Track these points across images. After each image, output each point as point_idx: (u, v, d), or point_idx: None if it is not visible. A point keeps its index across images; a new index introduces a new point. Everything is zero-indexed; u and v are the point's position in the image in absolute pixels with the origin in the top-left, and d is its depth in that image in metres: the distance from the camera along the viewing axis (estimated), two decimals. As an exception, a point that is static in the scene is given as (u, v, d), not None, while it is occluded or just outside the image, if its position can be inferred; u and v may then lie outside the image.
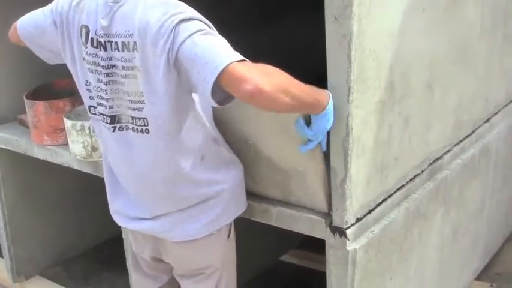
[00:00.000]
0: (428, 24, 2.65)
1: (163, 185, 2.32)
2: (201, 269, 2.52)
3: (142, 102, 2.16)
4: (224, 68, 1.95)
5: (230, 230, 2.53)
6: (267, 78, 1.97)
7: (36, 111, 3.28)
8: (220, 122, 2.45)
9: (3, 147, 3.60)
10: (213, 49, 2.02)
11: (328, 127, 2.24)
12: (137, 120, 2.21)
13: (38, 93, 3.43)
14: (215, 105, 2.06)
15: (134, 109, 2.19)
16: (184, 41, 2.03)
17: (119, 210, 2.53)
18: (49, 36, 2.41)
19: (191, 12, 2.10)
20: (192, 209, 2.38)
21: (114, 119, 2.26)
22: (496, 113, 3.67)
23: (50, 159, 3.36)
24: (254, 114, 2.31)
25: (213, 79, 1.97)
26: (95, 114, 2.34)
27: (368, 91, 2.33)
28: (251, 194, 2.66)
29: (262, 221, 2.65)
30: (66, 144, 3.17)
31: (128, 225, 2.53)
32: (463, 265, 3.61)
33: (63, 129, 3.17)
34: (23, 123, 3.58)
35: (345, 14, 2.14)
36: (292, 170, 2.48)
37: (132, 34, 2.10)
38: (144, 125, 2.20)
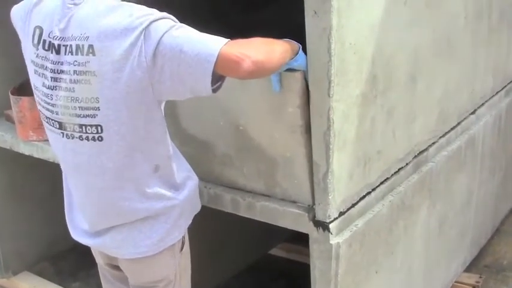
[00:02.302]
0: (410, 17, 2.64)
1: (111, 195, 2.25)
2: (154, 282, 2.46)
3: (96, 108, 2.08)
4: (218, 54, 1.96)
5: (183, 243, 2.46)
6: (254, 49, 2.02)
7: (21, 106, 3.27)
8: (211, 110, 2.48)
9: (-11, 143, 3.59)
10: (197, 40, 2.00)
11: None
12: (88, 127, 2.12)
13: (23, 89, 3.40)
14: (210, 93, 2.05)
15: (85, 116, 2.11)
16: (160, 40, 1.99)
17: (73, 223, 2.48)
18: None
19: (158, 12, 2.06)
20: (142, 225, 2.30)
21: (61, 125, 2.17)
22: (483, 104, 3.67)
23: (35, 155, 3.35)
24: (247, 99, 2.33)
25: (211, 67, 1.97)
26: (43, 120, 2.27)
27: (349, 84, 2.32)
28: (236, 189, 2.68)
29: (247, 216, 2.65)
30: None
31: (81, 239, 2.45)
32: (451, 257, 3.61)
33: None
34: (9, 119, 3.58)
35: (324, 8, 2.13)
36: (280, 157, 2.48)
37: (88, 37, 2.04)
38: (97, 133, 2.12)
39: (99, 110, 2.08)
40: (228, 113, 2.52)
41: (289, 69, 2.26)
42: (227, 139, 2.60)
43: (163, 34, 2.00)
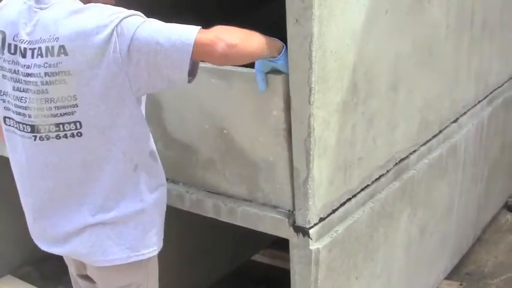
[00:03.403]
0: (391, 26, 2.67)
1: (88, 185, 2.24)
2: (123, 286, 2.44)
3: (74, 106, 2.09)
4: (194, 42, 2.01)
5: None
6: (229, 34, 2.06)
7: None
8: (196, 113, 2.51)
9: (-27, 146, 3.59)
10: (171, 31, 2.04)
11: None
12: (65, 125, 2.13)
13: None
14: (185, 83, 2.10)
15: (62, 115, 2.11)
16: (133, 35, 2.03)
17: (40, 235, 2.42)
18: None
19: (126, 10, 2.10)
20: (111, 231, 2.28)
21: (34, 128, 2.17)
22: (465, 113, 3.70)
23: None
24: (232, 102, 2.36)
25: (188, 56, 2.02)
26: (10, 125, 2.25)
27: (330, 91, 2.34)
28: (217, 194, 2.69)
29: (228, 221, 2.67)
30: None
31: (52, 249, 2.40)
32: (432, 264, 3.64)
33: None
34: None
35: (306, 16, 2.16)
36: (262, 161, 2.50)
37: (58, 38, 2.06)
38: (76, 129, 2.13)
39: (77, 106, 2.10)
40: (213, 116, 2.54)
41: (274, 71, 2.29)
42: (211, 143, 2.61)
43: (136, 29, 2.04)
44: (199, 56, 2.05)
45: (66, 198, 2.27)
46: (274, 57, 2.24)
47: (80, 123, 2.13)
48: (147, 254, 2.35)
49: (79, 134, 2.15)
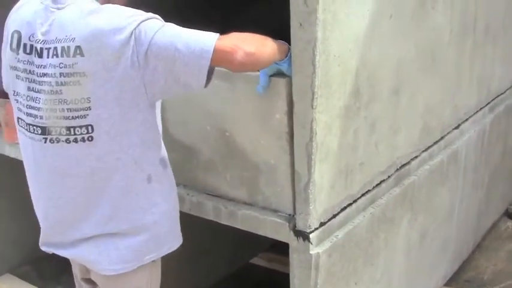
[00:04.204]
0: (395, 31, 2.68)
1: (96, 195, 2.21)
2: None
3: (87, 108, 2.07)
4: (213, 50, 2.02)
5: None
6: (246, 42, 2.07)
7: (7, 109, 3.28)
8: (199, 115, 2.51)
9: (-26, 145, 3.59)
10: (190, 37, 2.04)
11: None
12: (77, 129, 2.11)
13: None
14: (202, 88, 2.10)
15: (74, 117, 2.09)
16: (152, 40, 2.02)
17: (47, 237, 2.42)
18: None
19: (145, 13, 2.09)
20: (120, 241, 2.27)
21: (45, 130, 2.15)
22: (467, 120, 3.71)
23: (21, 158, 3.34)
24: (235, 104, 2.36)
25: (207, 63, 2.02)
26: (21, 127, 2.24)
27: (333, 96, 2.35)
28: (217, 196, 2.69)
29: (228, 224, 2.67)
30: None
31: (58, 251, 2.40)
32: (432, 270, 3.64)
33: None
34: (-5, 122, 3.58)
35: (310, 20, 2.16)
36: (263, 164, 2.50)
37: (74, 38, 2.04)
38: (88, 133, 2.10)
39: (90, 109, 2.08)
40: (216, 117, 2.54)
41: (277, 74, 2.31)
42: (213, 144, 2.62)
43: (155, 34, 2.03)
44: (217, 62, 2.05)
45: (73, 207, 2.25)
46: (281, 59, 2.25)
47: (91, 127, 2.10)
48: (150, 259, 2.34)
49: (90, 139, 2.12)
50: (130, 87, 2.07)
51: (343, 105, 2.42)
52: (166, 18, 2.12)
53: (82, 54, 2.04)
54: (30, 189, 2.39)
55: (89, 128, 2.11)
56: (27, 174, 2.37)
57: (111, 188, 2.19)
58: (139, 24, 2.03)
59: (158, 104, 2.27)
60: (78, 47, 2.04)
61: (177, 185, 2.72)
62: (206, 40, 2.03)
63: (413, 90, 2.94)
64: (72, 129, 2.12)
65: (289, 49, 2.26)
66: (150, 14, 2.09)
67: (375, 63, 2.57)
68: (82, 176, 2.19)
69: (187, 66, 2.02)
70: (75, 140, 2.13)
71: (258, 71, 2.29)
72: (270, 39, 2.19)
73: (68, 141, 2.14)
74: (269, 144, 2.44)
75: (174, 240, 2.42)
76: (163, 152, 2.32)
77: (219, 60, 2.04)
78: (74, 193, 2.23)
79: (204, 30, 2.08)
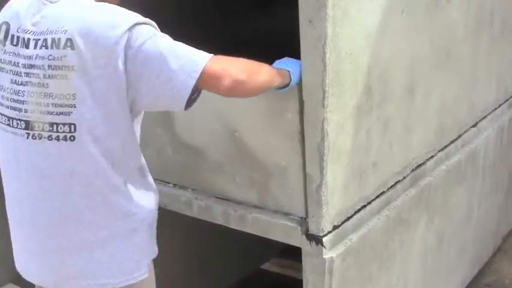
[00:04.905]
0: (408, 26, 2.70)
1: (75, 201, 2.17)
2: None
3: (72, 105, 2.06)
4: (202, 70, 2.02)
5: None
6: (237, 68, 2.08)
7: None
8: (207, 115, 2.52)
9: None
10: (181, 53, 2.05)
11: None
12: (60, 126, 2.09)
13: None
14: (182, 108, 2.10)
15: (59, 113, 2.08)
16: (142, 46, 2.02)
17: (18, 247, 2.36)
18: None
19: (141, 16, 2.09)
20: (100, 253, 2.23)
21: (28, 125, 2.12)
22: (484, 117, 3.72)
23: None
24: (245, 103, 2.35)
25: (193, 82, 2.02)
26: (1, 122, 2.19)
27: (344, 95, 2.37)
28: (226, 200, 2.72)
29: (238, 228, 2.69)
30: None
31: (30, 267, 2.33)
32: (449, 275, 3.65)
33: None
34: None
35: (320, 16, 2.19)
36: (274, 166, 2.52)
37: (67, 30, 2.04)
38: (70, 132, 2.09)
39: (74, 107, 2.07)
40: (225, 117, 2.57)
41: None
42: (221, 146, 2.64)
43: (146, 41, 2.03)
44: (203, 85, 2.06)
45: (48, 212, 2.20)
46: (286, 84, 2.27)
47: (74, 126, 2.08)
48: (138, 277, 2.31)
49: (72, 138, 2.10)
50: (117, 88, 2.06)
51: (355, 104, 2.45)
52: (167, 24, 2.15)
53: (72, 47, 2.04)
54: (6, 190, 2.32)
55: (72, 126, 2.09)
56: (3, 173, 2.32)
57: (89, 193, 2.17)
58: (134, 26, 2.04)
59: (139, 119, 2.28)
60: (69, 40, 2.04)
61: (185, 188, 2.77)
62: (198, 58, 2.03)
63: (427, 87, 2.96)
64: (55, 126, 2.10)
65: (289, 76, 2.27)
66: (147, 19, 2.10)
67: (388, 61, 2.60)
68: (60, 179, 2.16)
69: (172, 82, 2.02)
70: (57, 138, 2.10)
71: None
72: (267, 66, 2.20)
73: (50, 138, 2.11)
74: (280, 145, 2.46)
75: (148, 253, 2.37)
76: (143, 161, 2.32)
77: (204, 83, 2.05)
78: (50, 196, 2.18)
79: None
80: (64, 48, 2.05)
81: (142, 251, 2.32)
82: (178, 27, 2.15)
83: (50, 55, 2.07)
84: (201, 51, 2.07)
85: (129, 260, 2.28)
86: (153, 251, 2.39)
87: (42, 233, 2.23)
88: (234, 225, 2.70)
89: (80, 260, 2.23)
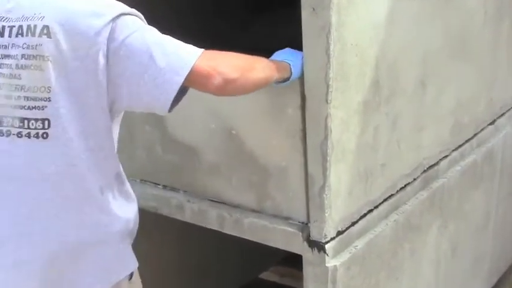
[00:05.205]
0: (420, 14, 2.70)
1: (46, 206, 2.11)
2: None
3: (46, 99, 2.02)
4: (191, 68, 2.00)
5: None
6: (229, 65, 2.07)
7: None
8: (202, 112, 2.52)
9: None
10: (169, 48, 2.03)
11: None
12: (31, 122, 2.04)
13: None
14: (166, 110, 2.07)
15: (31, 108, 2.03)
16: (126, 39, 2.00)
17: None
18: None
19: (126, 6, 2.07)
20: (66, 265, 2.18)
21: None
22: (503, 114, 3.72)
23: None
24: (241, 101, 2.34)
25: (180, 81, 2.00)
26: None
27: (350, 89, 2.37)
28: (222, 203, 2.72)
29: (234, 234, 2.70)
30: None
31: None
32: (465, 286, 3.65)
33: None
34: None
35: (323, 4, 2.18)
36: (273, 167, 2.53)
37: (44, 17, 2.00)
38: (43, 128, 2.04)
39: (49, 101, 2.03)
40: (220, 114, 2.57)
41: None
42: (217, 145, 2.64)
43: (131, 34, 2.01)
44: (192, 84, 2.04)
45: (14, 220, 2.14)
46: (286, 78, 2.27)
47: (48, 121, 2.04)
48: (119, 276, 2.30)
49: (44, 136, 2.04)
50: (96, 84, 2.03)
51: (362, 99, 2.45)
52: (167, 27, 2.13)
53: (49, 36, 2.00)
54: None
55: (45, 122, 2.04)
56: None
57: (61, 200, 2.13)
58: (119, 17, 2.02)
59: (118, 120, 2.25)
60: (46, 27, 2.00)
61: (176, 190, 2.77)
62: (187, 54, 2.02)
63: (441, 81, 2.96)
64: (26, 122, 2.04)
65: (289, 69, 2.27)
66: (133, 10, 2.08)
67: (397, 52, 2.59)
68: (29, 183, 2.11)
69: (157, 81, 2.00)
70: (28, 135, 2.05)
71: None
72: (264, 60, 2.20)
73: (19, 135, 2.05)
74: (281, 143, 2.46)
75: (120, 269, 2.32)
76: (120, 168, 2.29)
77: (193, 82, 2.03)
78: (16, 201, 2.12)
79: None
80: (40, 36, 2.01)
81: (111, 266, 2.27)
82: (178, 31, 2.14)
83: (25, 43, 2.03)
84: (191, 47, 2.06)
85: (94, 277, 2.24)
86: (126, 267, 2.34)
87: (6, 244, 2.15)
88: (229, 231, 2.70)
89: (42, 274, 2.17)
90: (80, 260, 2.20)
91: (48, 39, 2.01)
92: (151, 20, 2.13)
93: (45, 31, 2.00)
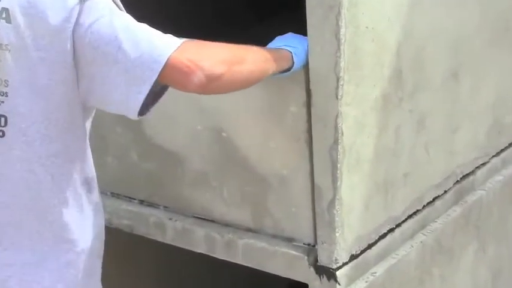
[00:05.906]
0: (451, -8, 2.70)
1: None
2: None
3: (3, 94, 2.04)
4: (166, 61, 1.98)
5: None
6: (212, 58, 2.05)
7: None
8: (187, 111, 2.55)
9: None
10: (142, 37, 2.02)
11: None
12: None
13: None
14: (136, 112, 2.07)
15: None
16: (93, 25, 2.00)
17: None
18: None
19: None
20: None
21: None
22: (555, 112, 3.72)
23: None
24: (233, 97, 2.34)
25: (153, 77, 2.00)
26: None
27: (365, 82, 2.37)
28: (211, 221, 2.73)
29: (226, 258, 2.70)
30: None
31: None
32: (508, 321, 3.65)
33: None
34: None
35: (332, -22, 2.18)
36: (273, 176, 2.53)
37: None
38: None
39: (6, 96, 2.05)
40: (209, 113, 2.57)
41: None
42: (204, 150, 2.64)
43: (98, 19, 2.01)
44: (167, 81, 2.04)
45: None
46: (287, 68, 2.26)
47: (5, 118, 2.07)
48: None
49: (1, 134, 2.07)
50: (63, 77, 2.06)
51: (380, 94, 2.45)
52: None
53: (8, 20, 2.02)
54: None
55: (2, 119, 2.07)
56: None
57: (16, 208, 2.16)
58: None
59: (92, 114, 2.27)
60: (5, 10, 2.02)
61: (155, 206, 2.77)
62: (161, 47, 2.00)
63: (478, 73, 2.96)
64: None
65: (292, 57, 2.26)
66: None
67: (424, 38, 2.60)
68: None
69: (127, 74, 2.01)
70: None
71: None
72: (257, 50, 2.20)
73: None
74: (281, 148, 2.46)
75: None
76: (91, 171, 2.30)
77: (169, 79, 2.02)
78: None
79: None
80: None
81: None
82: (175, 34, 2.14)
83: None
84: (169, 36, 2.05)
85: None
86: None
87: None
88: (220, 255, 2.71)
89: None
90: (35, 285, 2.21)
91: (8, 24, 2.02)
92: (148, 22, 2.12)
93: (3, 15, 2.01)
